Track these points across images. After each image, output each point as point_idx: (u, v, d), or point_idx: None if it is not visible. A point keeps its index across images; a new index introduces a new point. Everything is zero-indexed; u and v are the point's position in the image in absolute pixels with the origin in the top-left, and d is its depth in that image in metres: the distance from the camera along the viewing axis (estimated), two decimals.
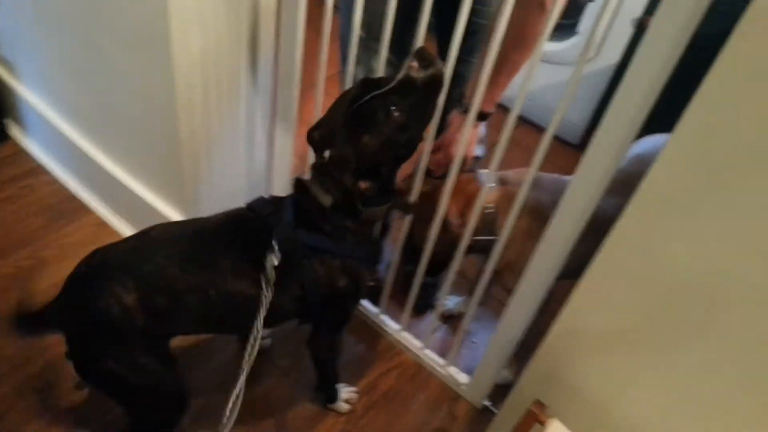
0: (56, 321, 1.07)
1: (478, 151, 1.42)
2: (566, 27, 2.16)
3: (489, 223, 1.27)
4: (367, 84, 1.02)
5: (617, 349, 0.96)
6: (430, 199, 1.30)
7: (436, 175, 1.34)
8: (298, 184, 1.09)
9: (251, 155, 1.56)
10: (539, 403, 0.99)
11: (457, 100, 1.32)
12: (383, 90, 0.98)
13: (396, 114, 0.98)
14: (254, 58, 1.38)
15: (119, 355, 1.03)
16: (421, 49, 1.01)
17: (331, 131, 1.03)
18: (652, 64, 0.84)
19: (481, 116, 1.25)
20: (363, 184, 1.02)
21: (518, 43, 1.13)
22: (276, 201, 1.13)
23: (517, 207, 1.15)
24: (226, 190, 1.56)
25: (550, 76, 1.93)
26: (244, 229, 1.10)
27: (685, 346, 0.87)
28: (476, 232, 1.27)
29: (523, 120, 1.45)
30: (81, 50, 1.43)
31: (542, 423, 0.97)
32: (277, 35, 1.36)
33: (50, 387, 1.35)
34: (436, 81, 0.99)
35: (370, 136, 1.00)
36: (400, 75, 0.98)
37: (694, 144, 0.76)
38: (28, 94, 1.72)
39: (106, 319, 1.00)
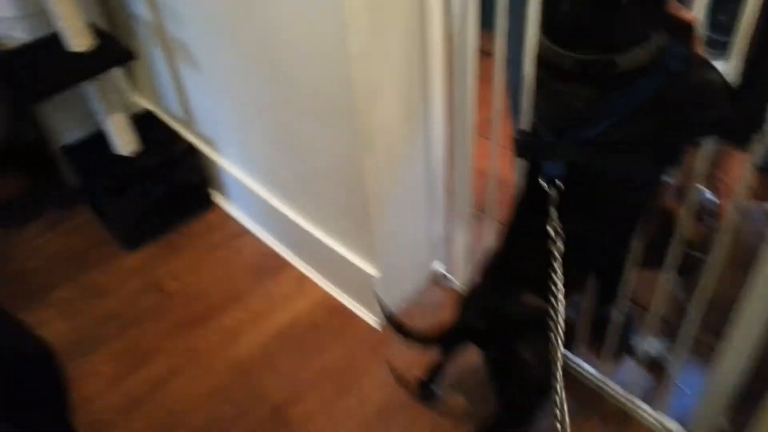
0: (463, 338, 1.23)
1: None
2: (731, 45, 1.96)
3: (706, 242, 1.18)
4: None
5: None
6: None
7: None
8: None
9: (431, 207, 1.63)
10: None
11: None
12: None
13: None
14: (428, 120, 1.45)
15: (531, 345, 1.12)
16: None
17: None
18: None
19: None
20: None
21: None
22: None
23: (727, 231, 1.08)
24: (410, 240, 1.65)
25: None
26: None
27: None
28: (691, 246, 1.20)
29: None
30: (276, 125, 1.59)
31: None
32: (450, 93, 1.41)
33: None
34: None
35: None
36: None
37: None
38: (229, 166, 1.93)
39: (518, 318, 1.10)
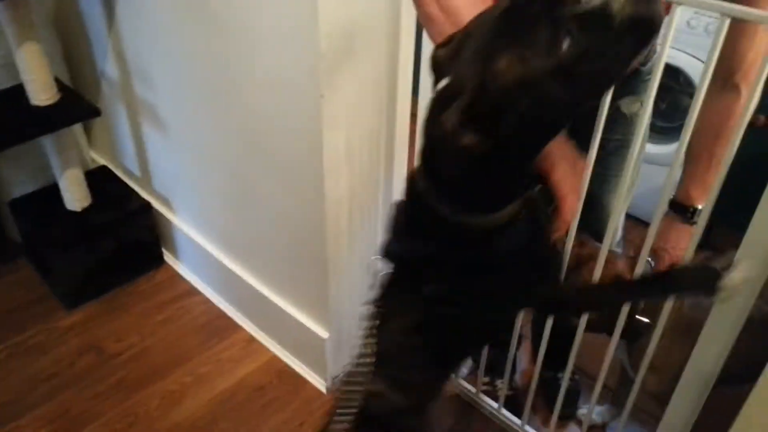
0: None
1: (617, 249, 1.42)
2: (671, 130, 2.15)
3: (653, 308, 1.21)
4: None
5: None
6: (592, 260, 1.21)
7: None
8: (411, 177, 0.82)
9: None
10: None
11: (594, 230, 1.23)
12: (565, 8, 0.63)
13: (566, 46, 0.63)
14: (390, 189, 1.51)
15: None
16: None
17: (463, 48, 0.70)
18: None
19: (692, 215, 1.18)
20: (469, 136, 0.66)
21: (719, 134, 1.07)
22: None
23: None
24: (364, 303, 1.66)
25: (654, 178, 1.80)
26: None
27: None
28: (637, 313, 1.22)
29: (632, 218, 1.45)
30: (238, 188, 1.61)
31: None
32: (412, 164, 1.47)
33: None
34: (645, 25, 0.61)
35: (510, 59, 0.65)
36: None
37: None
38: (182, 225, 1.93)
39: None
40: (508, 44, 0.65)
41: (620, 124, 1.23)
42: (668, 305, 1.14)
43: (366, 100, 1.32)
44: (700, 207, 1.17)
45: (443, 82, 0.70)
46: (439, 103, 0.70)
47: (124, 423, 1.60)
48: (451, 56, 0.71)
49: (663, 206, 1.11)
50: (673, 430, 1.19)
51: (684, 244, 1.15)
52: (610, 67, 0.64)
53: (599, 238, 1.19)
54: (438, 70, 0.73)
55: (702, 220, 1.08)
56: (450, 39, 0.73)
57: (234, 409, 1.64)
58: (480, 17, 0.71)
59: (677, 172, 1.09)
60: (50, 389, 1.67)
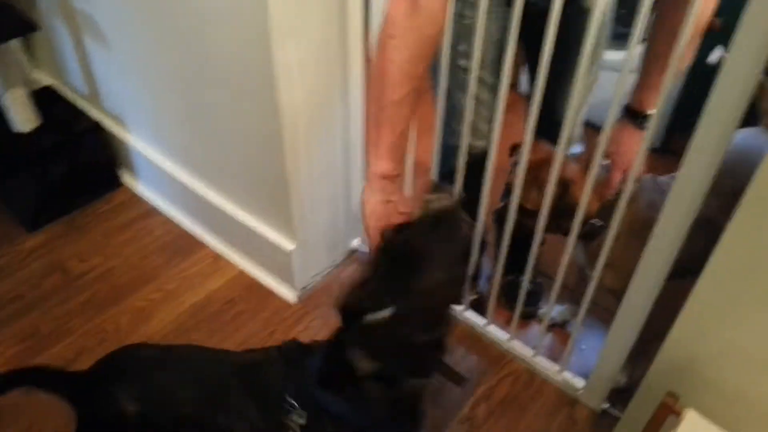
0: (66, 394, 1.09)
1: (577, 148, 1.44)
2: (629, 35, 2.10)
3: (607, 210, 1.24)
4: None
5: (750, 334, 0.95)
6: (546, 165, 1.25)
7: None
8: (337, 339, 0.97)
9: (349, 184, 1.66)
10: (672, 395, 1.01)
11: (553, 131, 1.24)
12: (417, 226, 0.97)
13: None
14: (347, 96, 1.49)
15: None
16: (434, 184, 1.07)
17: (378, 288, 0.95)
18: (750, 55, 0.85)
19: (643, 119, 1.21)
20: (423, 338, 0.93)
21: (672, 37, 1.04)
22: (306, 348, 1.05)
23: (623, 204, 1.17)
24: (328, 216, 1.67)
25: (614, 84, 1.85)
26: (266, 373, 1.03)
27: None
28: (592, 216, 1.27)
29: (589, 125, 1.46)
30: (190, 101, 1.56)
31: (677, 414, 0.98)
32: (369, 69, 1.44)
33: None
34: (449, 219, 0.96)
35: (438, 269, 0.92)
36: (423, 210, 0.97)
37: None
38: (138, 143, 1.88)
39: (103, 417, 1.02)
40: (427, 265, 0.92)
41: (583, 22, 1.18)
42: (623, 207, 1.17)
43: (314, 7, 1.27)
44: (652, 113, 1.17)
45: (382, 314, 0.90)
46: (392, 326, 0.90)
47: (94, 339, 1.61)
48: (372, 299, 0.93)
49: (615, 110, 1.12)
50: (629, 322, 1.26)
51: (636, 148, 1.17)
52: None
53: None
54: (356, 311, 0.93)
55: (653, 125, 1.09)
56: (351, 292, 0.97)
57: (205, 320, 1.66)
58: (362, 278, 0.99)
59: (629, 78, 1.10)
60: (18, 309, 1.68)
